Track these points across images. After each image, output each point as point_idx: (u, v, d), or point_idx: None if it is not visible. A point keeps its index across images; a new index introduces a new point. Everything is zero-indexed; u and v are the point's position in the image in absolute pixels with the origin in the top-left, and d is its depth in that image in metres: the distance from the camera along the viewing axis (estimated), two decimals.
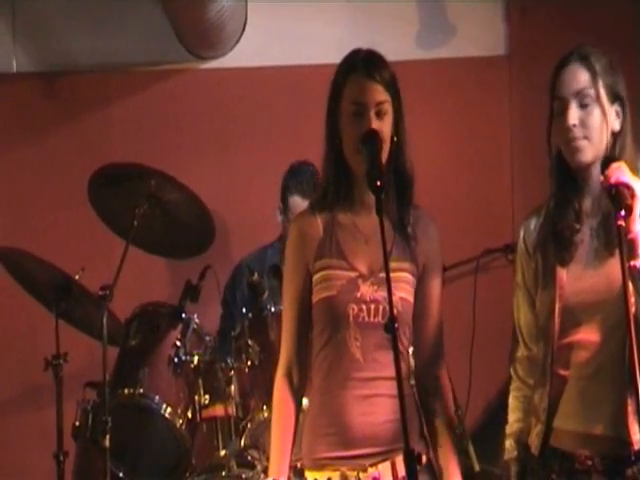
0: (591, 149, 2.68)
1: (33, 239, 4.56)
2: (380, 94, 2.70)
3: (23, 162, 5.22)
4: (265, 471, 3.34)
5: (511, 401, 2.87)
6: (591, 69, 2.71)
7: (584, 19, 4.84)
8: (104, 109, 5.29)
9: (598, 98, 2.69)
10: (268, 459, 3.07)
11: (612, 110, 2.70)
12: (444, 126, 4.95)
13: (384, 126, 2.69)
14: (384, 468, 2.65)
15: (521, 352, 2.84)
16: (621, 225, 2.46)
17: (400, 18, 5.22)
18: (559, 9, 5.08)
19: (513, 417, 2.85)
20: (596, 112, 2.69)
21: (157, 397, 4.28)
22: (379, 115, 2.69)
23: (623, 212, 2.46)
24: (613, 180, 2.51)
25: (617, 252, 2.48)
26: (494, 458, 2.96)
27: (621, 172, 2.52)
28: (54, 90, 5.30)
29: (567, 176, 2.75)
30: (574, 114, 2.68)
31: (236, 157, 5.09)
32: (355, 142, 2.69)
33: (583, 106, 2.69)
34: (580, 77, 2.70)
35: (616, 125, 2.71)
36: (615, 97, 2.71)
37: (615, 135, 2.70)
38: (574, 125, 2.67)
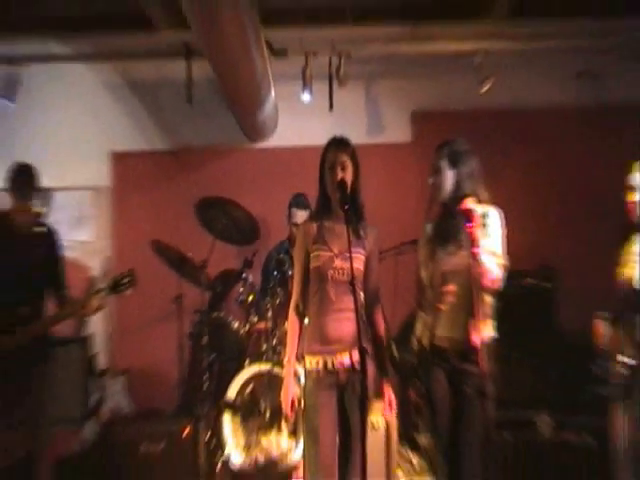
0: (441, 193, 2.76)
1: (169, 235, 4.46)
2: (343, 158, 2.68)
3: (175, 197, 5.05)
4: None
5: (416, 320, 2.85)
6: (439, 153, 2.78)
7: (463, 125, 4.72)
8: (202, 167, 5.16)
9: (441, 167, 2.75)
10: None
11: (452, 172, 2.75)
12: (379, 180, 4.83)
13: (347, 175, 2.66)
14: (345, 355, 2.61)
15: (422, 294, 2.82)
16: (469, 231, 2.56)
17: (357, 120, 5.15)
18: (444, 115, 4.98)
19: (417, 328, 2.83)
20: (440, 175, 2.76)
21: (230, 317, 4.32)
22: (343, 169, 2.66)
23: (469, 223, 2.55)
24: (463, 207, 2.59)
25: (466, 244, 2.59)
26: (406, 350, 2.93)
27: (467, 203, 2.60)
28: (177, 160, 5.17)
29: (441, 204, 2.80)
30: (430, 177, 2.79)
31: (272, 193, 4.96)
32: (332, 184, 2.67)
33: (435, 172, 2.77)
34: (444, 153, 2.77)
35: (454, 179, 2.74)
36: (454, 165, 2.75)
37: (454, 184, 2.74)
38: (432, 183, 2.78)
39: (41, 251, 3.13)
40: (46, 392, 3.01)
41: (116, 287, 3.04)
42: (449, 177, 2.75)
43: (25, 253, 3.08)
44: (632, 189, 2.88)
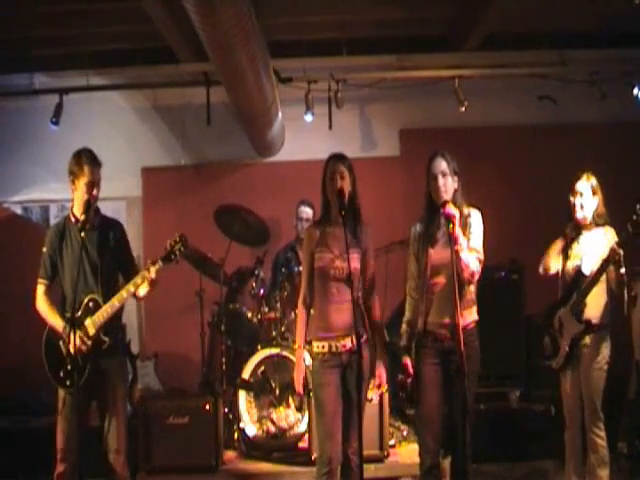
0: (446, 196, 2.65)
1: (191, 238, 4.40)
2: (342, 169, 2.67)
3: (196, 206, 4.92)
4: (294, 342, 3.29)
5: (407, 306, 2.79)
6: (446, 160, 2.66)
7: (444, 141, 4.55)
8: (220, 179, 5.10)
9: (448, 174, 2.66)
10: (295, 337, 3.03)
11: (454, 179, 2.68)
12: (372, 189, 4.71)
13: (344, 184, 2.65)
14: (346, 340, 2.62)
15: (411, 284, 2.75)
16: (451, 232, 2.52)
17: (353, 137, 5.09)
18: (428, 132, 4.90)
19: (407, 314, 2.78)
20: (449, 179, 2.67)
21: (244, 308, 4.29)
22: (342, 178, 2.66)
23: (450, 226, 2.52)
24: (445, 212, 2.56)
25: (450, 243, 2.52)
26: (396, 334, 2.90)
27: (450, 208, 2.56)
28: (198, 173, 5.14)
29: (432, 207, 2.70)
30: (440, 181, 2.64)
31: (280, 201, 4.90)
32: (332, 193, 2.66)
33: (444, 177, 2.65)
34: (442, 163, 2.65)
35: (455, 186, 2.68)
36: (454, 174, 2.68)
37: (455, 191, 2.68)
38: (441, 185, 2.64)
39: (108, 242, 2.81)
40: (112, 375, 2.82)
41: (169, 256, 2.73)
42: (449, 184, 2.69)
43: (93, 246, 2.77)
44: (575, 193, 3.02)
